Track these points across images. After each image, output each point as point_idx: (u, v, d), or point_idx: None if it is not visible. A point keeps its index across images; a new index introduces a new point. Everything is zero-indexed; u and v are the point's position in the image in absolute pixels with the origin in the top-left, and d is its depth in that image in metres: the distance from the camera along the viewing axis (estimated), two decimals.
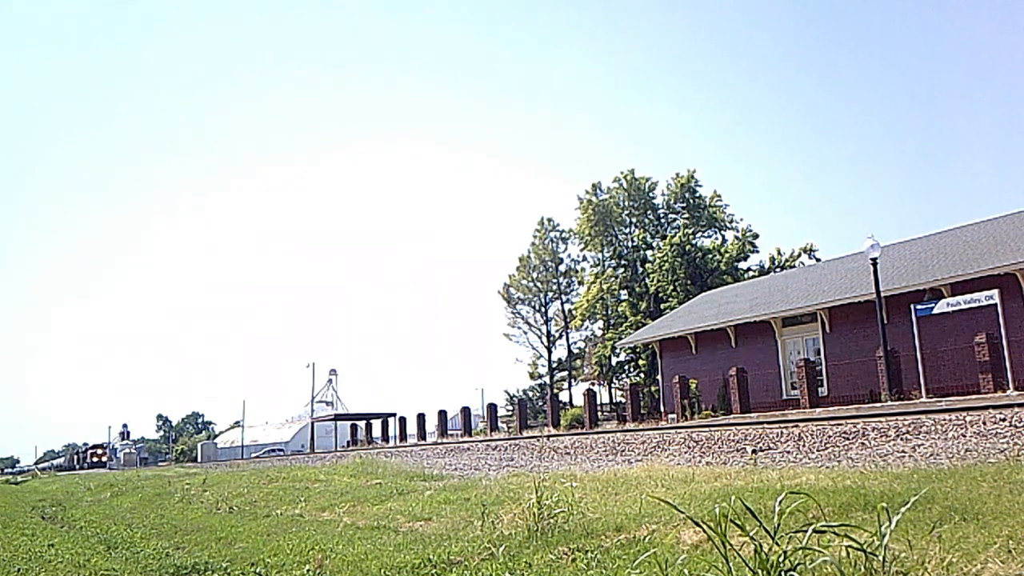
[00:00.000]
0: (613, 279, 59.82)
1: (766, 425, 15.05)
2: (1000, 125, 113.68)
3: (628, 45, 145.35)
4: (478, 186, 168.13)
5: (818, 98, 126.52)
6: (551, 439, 20.25)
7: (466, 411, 44.66)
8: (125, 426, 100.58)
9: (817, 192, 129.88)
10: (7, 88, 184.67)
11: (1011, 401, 14.40)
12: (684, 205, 60.90)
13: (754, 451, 12.48)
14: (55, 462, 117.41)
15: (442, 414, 45.41)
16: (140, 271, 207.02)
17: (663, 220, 62.16)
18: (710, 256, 53.66)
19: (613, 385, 60.09)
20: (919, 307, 23.71)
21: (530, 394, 65.57)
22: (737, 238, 57.04)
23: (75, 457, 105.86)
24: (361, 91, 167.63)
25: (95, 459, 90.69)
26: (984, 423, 10.80)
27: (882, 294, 23.60)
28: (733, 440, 13.88)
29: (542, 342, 67.95)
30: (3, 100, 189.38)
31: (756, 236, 56.62)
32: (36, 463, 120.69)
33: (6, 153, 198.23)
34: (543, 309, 68.46)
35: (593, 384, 59.96)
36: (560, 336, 67.43)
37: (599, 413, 38.11)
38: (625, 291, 58.83)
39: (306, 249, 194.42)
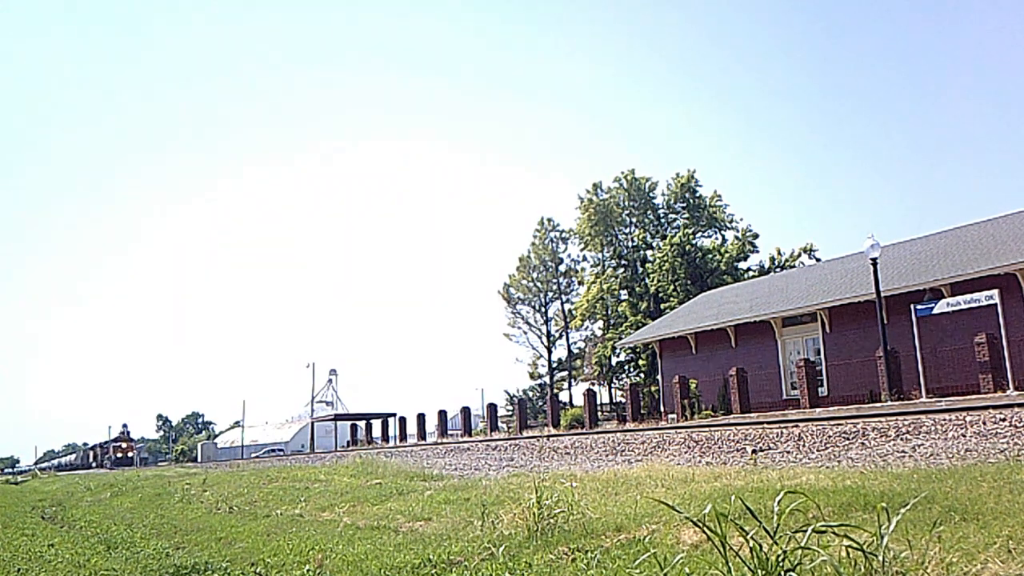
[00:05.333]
0: (613, 279, 59.82)
1: (766, 425, 15.04)
2: (1000, 125, 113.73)
3: (629, 45, 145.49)
4: (478, 186, 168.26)
5: (818, 98, 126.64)
6: (551, 439, 20.24)
7: (466, 411, 44.66)
8: (125, 426, 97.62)
9: (817, 192, 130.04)
10: (6, 86, 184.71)
11: (1011, 401, 14.40)
12: (684, 205, 60.91)
13: (754, 451, 12.48)
14: (66, 459, 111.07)
15: (442, 414, 45.42)
16: (140, 270, 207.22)
17: (663, 220, 62.16)
18: (710, 256, 53.66)
19: (613, 385, 60.09)
20: (919, 307, 23.70)
21: (530, 394, 65.56)
22: (737, 238, 57.05)
23: (92, 453, 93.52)
24: (361, 90, 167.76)
25: (119, 455, 79.71)
26: (984, 423, 10.79)
27: (882, 294, 23.59)
28: (733, 440, 13.88)
29: (542, 342, 67.95)
30: (3, 97, 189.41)
31: (756, 236, 56.70)
32: (37, 463, 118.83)
33: (5, 152, 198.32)
34: (543, 309, 68.46)
35: (593, 384, 59.94)
36: (560, 336, 67.45)
37: (599, 413, 38.11)
38: (625, 291, 58.83)
39: (307, 249, 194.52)
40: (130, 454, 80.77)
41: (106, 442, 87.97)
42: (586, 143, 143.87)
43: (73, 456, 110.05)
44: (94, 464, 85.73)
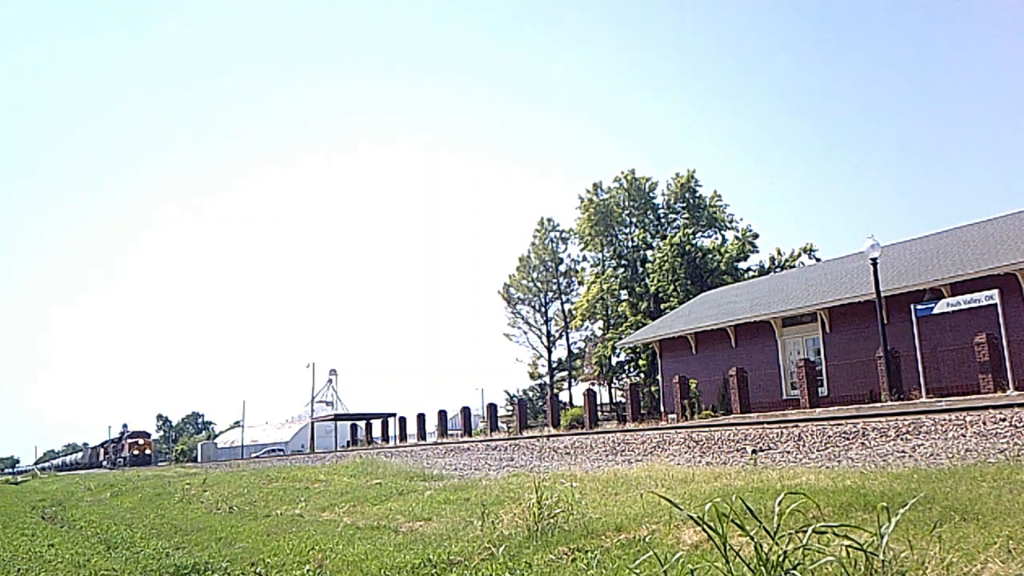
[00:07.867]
0: (613, 279, 59.84)
1: (766, 425, 15.05)
2: (1000, 125, 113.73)
3: (629, 45, 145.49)
4: (479, 186, 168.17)
5: (818, 98, 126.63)
6: (551, 439, 20.24)
7: (466, 411, 44.65)
8: (125, 426, 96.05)
9: (817, 192, 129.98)
10: (6, 85, 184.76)
11: (1011, 401, 14.40)
12: (684, 205, 60.95)
13: (754, 451, 12.48)
14: (71, 458, 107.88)
15: (442, 414, 45.42)
16: (140, 271, 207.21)
17: (663, 220, 62.20)
18: (710, 256, 53.69)
19: (613, 385, 60.10)
20: (919, 307, 23.70)
21: (530, 394, 65.56)
22: (737, 238, 57.08)
23: (102, 451, 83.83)
24: (362, 91, 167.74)
25: (135, 452, 69.43)
26: (984, 423, 10.79)
27: (882, 294, 23.59)
28: (733, 440, 13.88)
29: (542, 342, 67.96)
30: (2, 97, 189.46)
31: (756, 236, 56.75)
32: (37, 463, 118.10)
33: (6, 152, 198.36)
34: (543, 309, 68.48)
35: (593, 384, 59.96)
36: (560, 336, 67.47)
37: (599, 413, 38.11)
38: (625, 291, 58.85)
39: (306, 249, 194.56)
40: (148, 451, 71.17)
41: (119, 438, 77.78)
42: (586, 143, 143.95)
43: (79, 455, 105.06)
44: (105, 463, 77.51)
